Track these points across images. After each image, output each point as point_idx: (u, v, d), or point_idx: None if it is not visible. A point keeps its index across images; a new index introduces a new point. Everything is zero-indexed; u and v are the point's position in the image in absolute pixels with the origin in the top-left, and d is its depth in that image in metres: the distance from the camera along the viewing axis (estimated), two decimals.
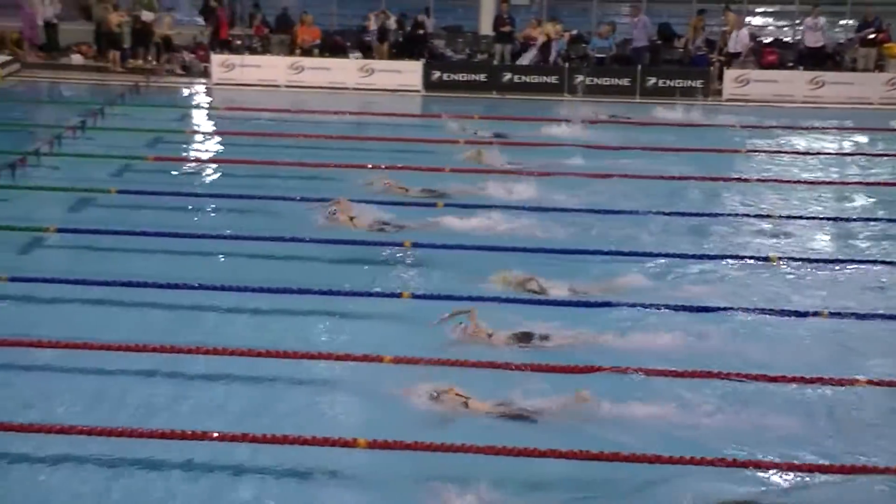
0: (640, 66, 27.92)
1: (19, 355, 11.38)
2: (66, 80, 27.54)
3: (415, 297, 12.78)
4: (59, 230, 15.48)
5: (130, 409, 10.18)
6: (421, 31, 29.22)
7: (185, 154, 20.87)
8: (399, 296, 12.82)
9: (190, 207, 17.08)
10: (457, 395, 10.17)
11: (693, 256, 14.80)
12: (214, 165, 19.86)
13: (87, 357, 11.20)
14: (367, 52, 28.71)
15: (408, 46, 29.02)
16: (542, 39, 28.58)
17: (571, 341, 11.71)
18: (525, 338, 11.71)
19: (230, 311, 12.63)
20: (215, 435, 9.37)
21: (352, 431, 9.47)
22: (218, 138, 22.35)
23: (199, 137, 22.47)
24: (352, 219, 15.76)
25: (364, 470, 9.13)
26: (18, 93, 26.55)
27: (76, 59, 28.43)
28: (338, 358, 11.04)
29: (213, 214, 16.78)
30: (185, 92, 27.24)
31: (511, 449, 9.16)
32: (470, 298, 12.36)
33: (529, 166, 19.15)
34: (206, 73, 27.83)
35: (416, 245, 14.73)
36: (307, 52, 28.36)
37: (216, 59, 27.63)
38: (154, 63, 28.15)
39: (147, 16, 28.51)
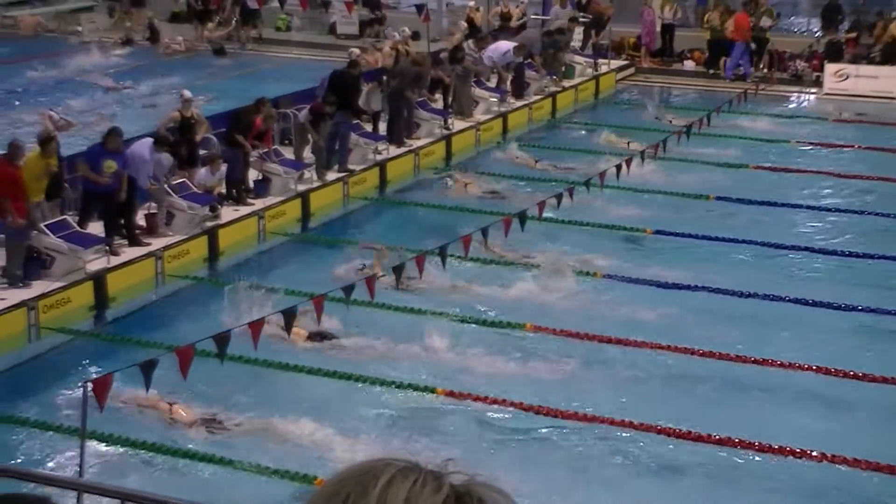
0: None
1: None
2: (677, 84, 28.10)
3: None
4: (656, 232, 15.93)
5: None
6: None
7: (786, 164, 20.39)
8: None
9: (788, 219, 16.94)
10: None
11: None
12: (816, 177, 19.30)
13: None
14: None
15: None
16: None
17: None
18: None
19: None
20: None
21: None
22: (823, 150, 21.64)
23: (803, 148, 21.87)
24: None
25: None
26: (631, 96, 27.50)
27: (688, 64, 28.96)
28: None
29: (808, 227, 16.47)
30: (794, 101, 26.73)
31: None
32: None
33: None
34: (817, 83, 27.11)
35: None
36: None
37: (830, 68, 26.80)
38: (764, 71, 27.92)
39: (766, 22, 28.29)
